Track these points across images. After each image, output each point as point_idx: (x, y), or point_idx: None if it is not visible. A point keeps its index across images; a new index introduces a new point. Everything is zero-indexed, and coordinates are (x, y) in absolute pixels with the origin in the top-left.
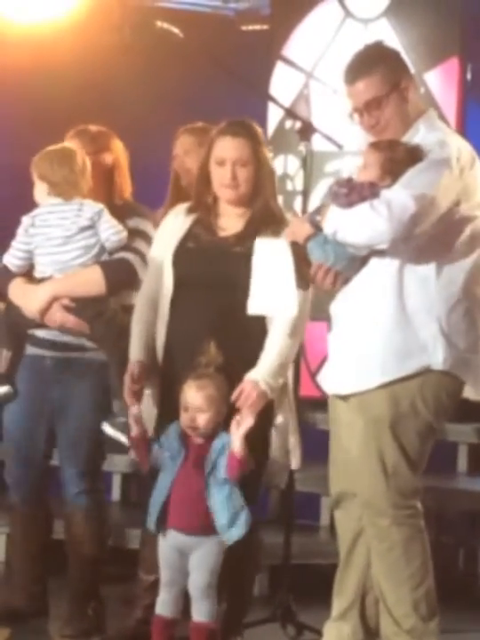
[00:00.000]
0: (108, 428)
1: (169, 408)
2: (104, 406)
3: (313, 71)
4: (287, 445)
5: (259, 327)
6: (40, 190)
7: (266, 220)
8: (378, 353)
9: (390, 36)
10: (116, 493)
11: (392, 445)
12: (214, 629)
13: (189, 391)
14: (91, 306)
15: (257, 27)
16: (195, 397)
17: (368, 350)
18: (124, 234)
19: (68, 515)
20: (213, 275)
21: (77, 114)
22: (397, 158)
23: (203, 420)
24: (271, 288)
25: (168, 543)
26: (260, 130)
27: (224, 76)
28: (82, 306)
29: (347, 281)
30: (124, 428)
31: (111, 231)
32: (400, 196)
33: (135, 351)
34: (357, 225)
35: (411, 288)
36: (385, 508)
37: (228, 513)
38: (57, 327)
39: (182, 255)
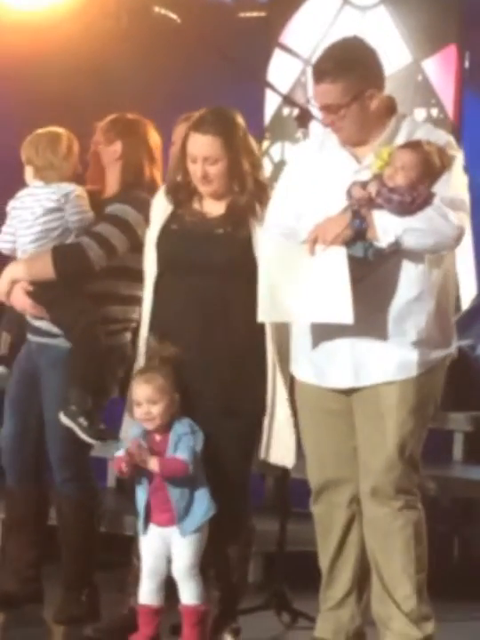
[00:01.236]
0: (62, 418)
1: None
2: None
3: (311, 58)
4: (287, 441)
5: (244, 313)
6: (28, 172)
7: (249, 204)
8: (418, 345)
9: (388, 23)
10: (111, 480)
11: (412, 431)
12: (205, 611)
13: (138, 386)
14: (47, 290)
15: (255, 13)
16: (145, 390)
17: (406, 343)
18: (88, 216)
19: (57, 502)
20: (195, 257)
21: (74, 100)
22: (433, 160)
23: (157, 410)
24: (325, 294)
25: (152, 532)
26: (236, 119)
27: (222, 62)
28: (39, 290)
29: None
30: (76, 416)
31: (74, 211)
32: (457, 201)
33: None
34: (426, 232)
35: (439, 283)
36: (396, 492)
37: (183, 503)
38: (19, 311)
39: (165, 237)
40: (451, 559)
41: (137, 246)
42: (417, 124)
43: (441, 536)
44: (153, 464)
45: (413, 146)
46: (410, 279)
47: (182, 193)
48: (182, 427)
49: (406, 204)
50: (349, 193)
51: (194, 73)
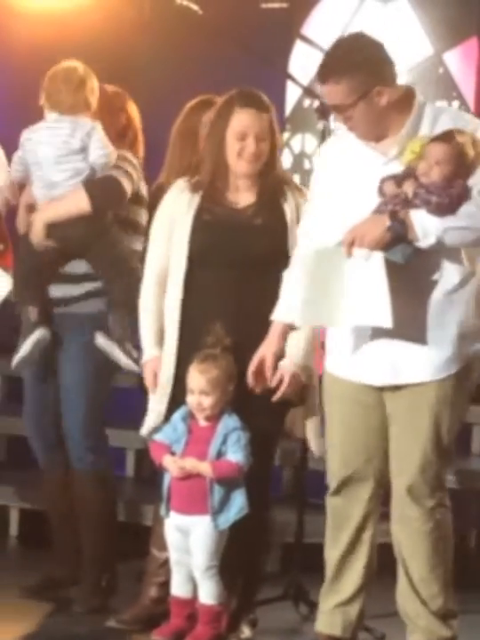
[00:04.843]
0: (100, 340)
1: (183, 390)
2: (93, 361)
3: None
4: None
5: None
6: (43, 104)
7: (278, 190)
8: (459, 339)
9: (410, 15)
10: (129, 469)
11: (449, 428)
12: (219, 611)
13: (194, 374)
14: (82, 224)
15: (277, 5)
16: (199, 380)
17: (447, 338)
18: (114, 154)
19: (74, 477)
20: (234, 249)
21: None
22: (466, 151)
23: (208, 402)
24: (363, 297)
25: (171, 523)
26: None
27: (243, 53)
28: (71, 225)
29: None
30: (120, 341)
31: (100, 151)
32: None
33: (150, 345)
34: (467, 230)
35: (475, 272)
36: (431, 491)
37: (219, 497)
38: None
39: (199, 229)
40: (468, 551)
41: (134, 198)
42: (440, 110)
43: (458, 528)
44: (205, 469)
45: (447, 138)
46: (448, 271)
47: (216, 183)
48: (233, 421)
49: (445, 205)
50: (382, 190)
51: (215, 64)
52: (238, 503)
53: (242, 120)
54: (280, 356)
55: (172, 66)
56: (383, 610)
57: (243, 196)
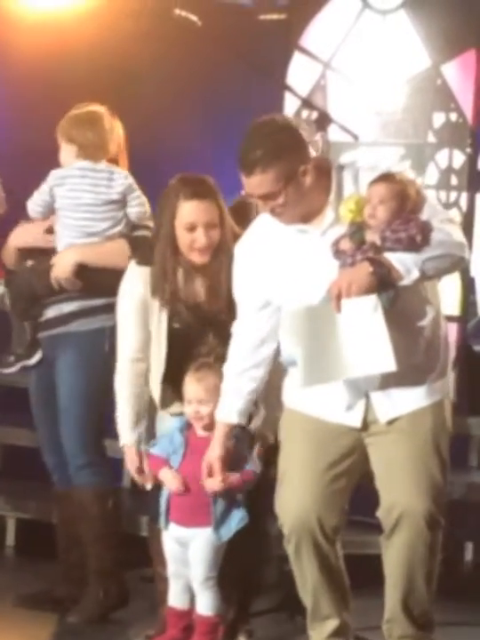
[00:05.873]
0: None
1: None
2: (84, 378)
3: (330, 62)
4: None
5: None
6: (68, 152)
7: (228, 274)
8: (441, 369)
9: (408, 27)
10: (126, 480)
11: (445, 448)
12: (216, 623)
13: (190, 384)
14: (116, 275)
15: (275, 16)
16: (196, 390)
17: (433, 368)
18: (147, 209)
19: (74, 492)
20: (206, 348)
21: (94, 99)
22: (408, 190)
23: (207, 410)
24: (363, 346)
25: (169, 535)
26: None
27: (241, 65)
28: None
29: None
30: None
31: (140, 208)
32: (450, 219)
33: (132, 437)
34: (443, 257)
35: (439, 302)
36: (440, 513)
37: (221, 509)
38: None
39: (171, 336)
40: (463, 564)
41: None
42: (357, 168)
43: (455, 540)
44: (236, 480)
45: (386, 178)
46: (424, 308)
47: (175, 278)
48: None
49: (414, 237)
50: (338, 249)
51: (213, 75)
52: (238, 514)
53: (188, 211)
54: (227, 455)
55: (170, 76)
56: (377, 621)
57: (198, 282)
